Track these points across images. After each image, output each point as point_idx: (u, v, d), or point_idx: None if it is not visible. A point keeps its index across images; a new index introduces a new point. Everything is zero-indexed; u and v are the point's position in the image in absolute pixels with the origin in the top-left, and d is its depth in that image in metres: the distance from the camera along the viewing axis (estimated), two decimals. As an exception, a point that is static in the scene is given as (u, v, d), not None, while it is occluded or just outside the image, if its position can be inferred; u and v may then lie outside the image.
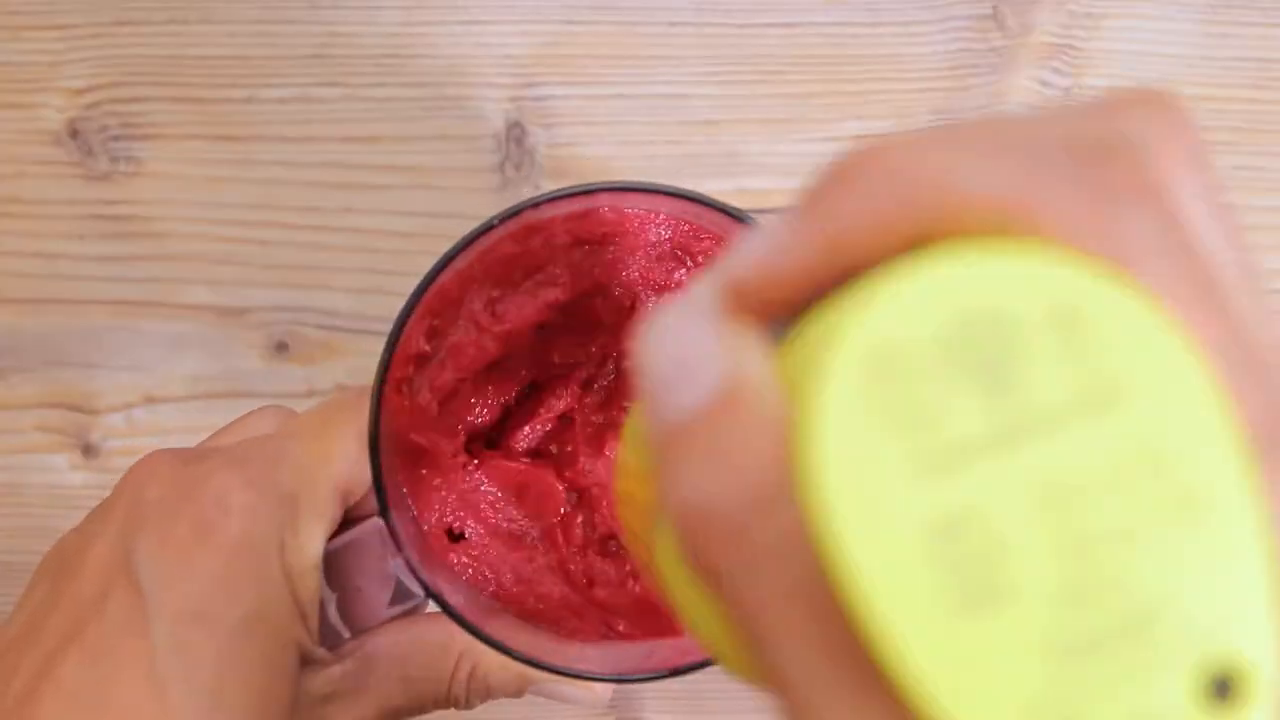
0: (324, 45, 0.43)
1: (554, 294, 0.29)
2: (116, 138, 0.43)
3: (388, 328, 0.43)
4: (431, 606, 0.28)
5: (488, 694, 0.29)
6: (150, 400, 0.43)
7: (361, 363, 0.43)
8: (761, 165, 0.43)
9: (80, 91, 0.43)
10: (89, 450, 0.43)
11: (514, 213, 0.27)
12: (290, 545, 0.26)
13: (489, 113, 0.43)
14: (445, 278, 0.28)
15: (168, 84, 0.43)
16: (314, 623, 0.27)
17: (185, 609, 0.25)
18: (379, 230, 0.43)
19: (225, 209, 0.43)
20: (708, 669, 0.26)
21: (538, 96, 0.43)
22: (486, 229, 0.27)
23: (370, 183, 0.43)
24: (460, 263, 0.28)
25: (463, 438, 0.30)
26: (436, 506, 0.30)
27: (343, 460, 0.27)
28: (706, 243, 0.30)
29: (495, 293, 0.29)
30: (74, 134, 0.43)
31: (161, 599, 0.25)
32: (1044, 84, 0.43)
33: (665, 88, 0.43)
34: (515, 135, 0.43)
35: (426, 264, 0.43)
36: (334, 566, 0.27)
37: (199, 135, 0.43)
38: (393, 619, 0.28)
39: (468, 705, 0.29)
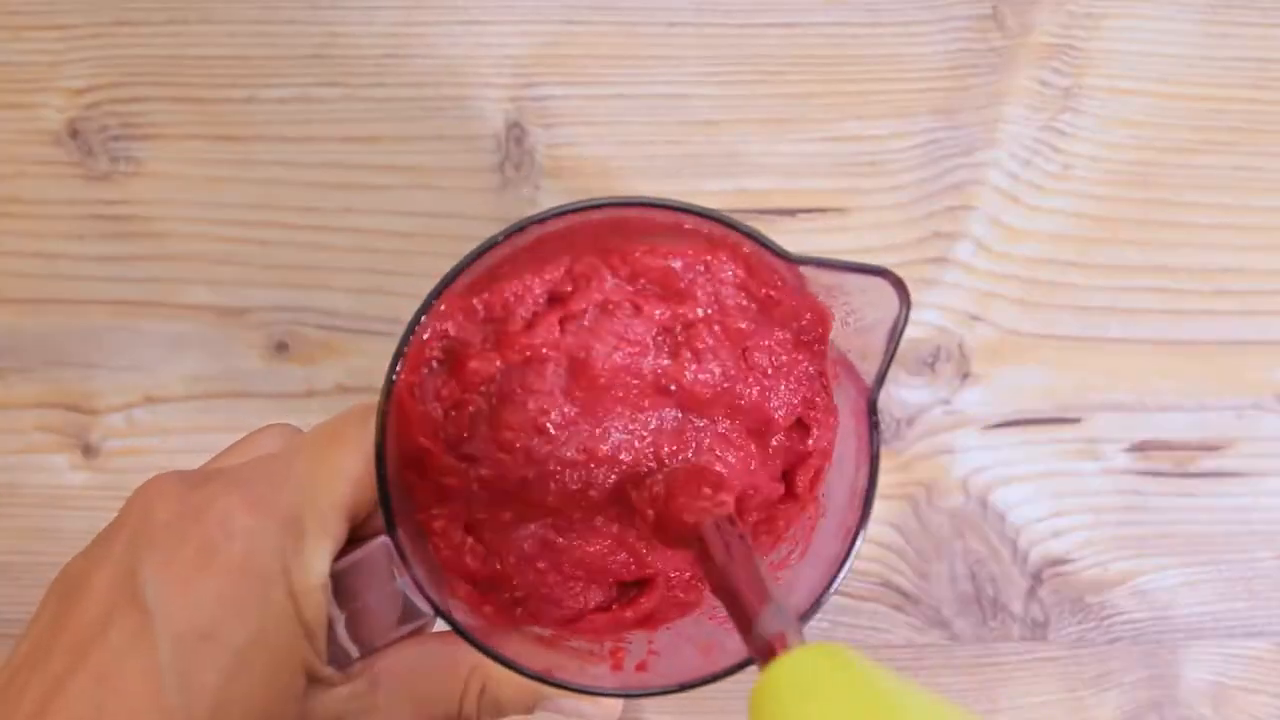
0: (324, 45, 0.43)
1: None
2: (116, 138, 0.43)
3: (388, 328, 0.43)
4: (440, 624, 0.28)
5: (498, 711, 0.29)
6: (150, 400, 0.43)
7: (361, 363, 0.43)
8: (762, 165, 0.43)
9: (80, 91, 0.43)
10: (89, 450, 0.43)
11: (521, 226, 0.26)
12: (295, 566, 0.26)
13: (489, 113, 0.43)
14: (459, 284, 0.28)
15: (168, 84, 0.43)
16: (321, 643, 0.27)
17: (191, 630, 0.25)
18: (379, 230, 0.43)
19: (225, 209, 0.43)
20: (715, 684, 0.26)
21: (538, 96, 0.43)
22: (494, 243, 0.26)
23: (370, 183, 0.43)
24: (475, 271, 0.28)
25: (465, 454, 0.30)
26: (444, 513, 0.30)
27: (348, 478, 0.27)
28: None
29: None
30: (74, 134, 0.43)
31: (167, 620, 0.25)
32: (1044, 84, 0.43)
33: (665, 88, 0.43)
34: (515, 135, 0.43)
35: (426, 264, 0.43)
36: (342, 585, 0.27)
37: (199, 135, 0.43)
38: (402, 637, 0.28)
39: None
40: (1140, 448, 0.43)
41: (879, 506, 0.43)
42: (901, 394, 0.43)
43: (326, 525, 0.27)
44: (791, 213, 0.43)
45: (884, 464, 0.43)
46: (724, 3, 0.43)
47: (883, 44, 0.43)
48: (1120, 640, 0.43)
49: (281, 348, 0.43)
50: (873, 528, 0.43)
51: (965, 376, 0.43)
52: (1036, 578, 0.43)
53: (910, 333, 0.43)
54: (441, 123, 0.43)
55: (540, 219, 0.26)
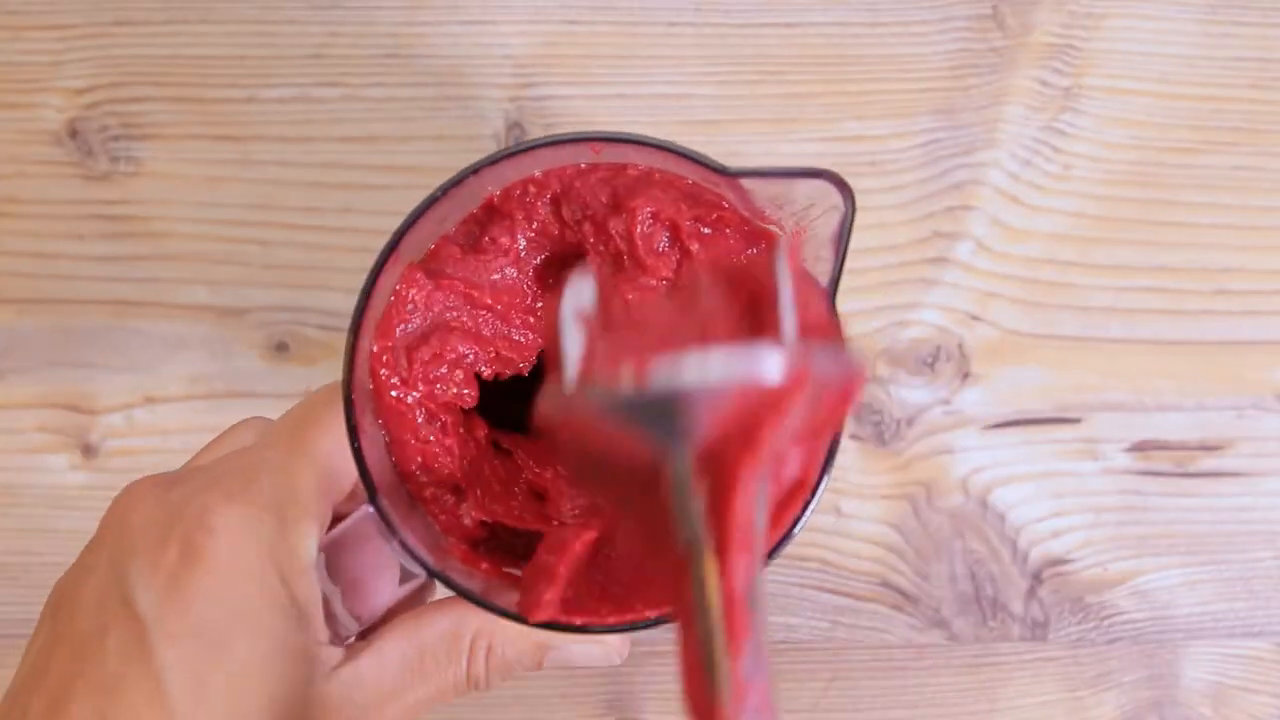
0: (324, 45, 0.43)
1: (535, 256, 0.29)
2: (116, 138, 0.43)
3: (388, 328, 0.43)
4: (440, 591, 0.28)
5: (506, 669, 0.29)
6: (150, 400, 0.43)
7: (361, 363, 0.43)
8: (763, 165, 0.43)
9: (80, 91, 0.43)
10: (89, 450, 0.43)
11: (458, 179, 0.27)
12: (281, 551, 0.26)
13: (489, 113, 0.43)
14: (410, 246, 0.28)
15: (168, 84, 0.43)
16: (318, 623, 0.27)
17: (185, 630, 0.25)
18: (379, 230, 0.43)
19: (225, 209, 0.43)
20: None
21: (538, 96, 0.43)
22: (434, 197, 0.27)
23: (370, 183, 0.43)
24: (424, 230, 0.28)
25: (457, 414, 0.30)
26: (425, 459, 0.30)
27: (323, 458, 0.27)
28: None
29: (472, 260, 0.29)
30: (74, 134, 0.43)
31: (161, 623, 0.25)
32: (1044, 84, 0.43)
33: (665, 88, 0.43)
34: (515, 135, 0.43)
35: (426, 264, 0.43)
36: (333, 560, 0.27)
37: (199, 135, 0.43)
38: (401, 601, 0.28)
39: (488, 684, 0.29)
40: (1140, 448, 0.43)
41: (879, 506, 0.43)
42: (901, 394, 0.43)
43: (307, 507, 0.27)
44: (791, 213, 0.43)
45: (883, 464, 0.43)
46: (724, 3, 0.43)
47: (883, 44, 0.43)
48: (1120, 640, 0.43)
49: (281, 348, 0.43)
50: (872, 527, 0.43)
51: (965, 376, 0.43)
52: (1036, 578, 0.43)
53: (910, 333, 0.43)
54: (441, 123, 0.43)
55: (475, 169, 0.26)
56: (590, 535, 0.27)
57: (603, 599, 0.27)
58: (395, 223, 0.43)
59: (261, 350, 0.43)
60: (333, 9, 0.43)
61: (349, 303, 0.43)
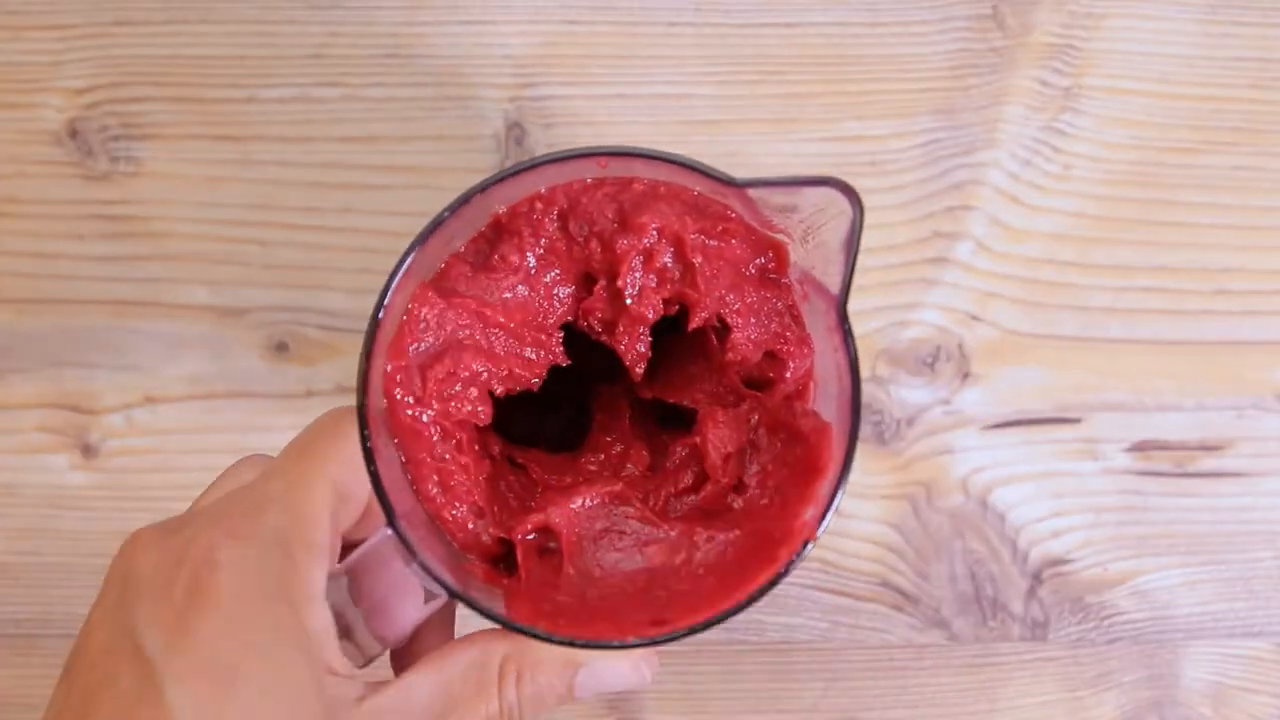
0: (324, 45, 0.43)
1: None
2: (116, 138, 0.43)
3: (388, 328, 0.43)
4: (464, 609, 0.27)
5: (539, 698, 0.29)
6: (150, 400, 0.43)
7: (361, 363, 0.43)
8: (762, 165, 0.43)
9: (80, 91, 0.43)
10: (89, 450, 0.43)
11: (466, 198, 0.27)
12: (289, 582, 0.26)
13: (489, 113, 0.43)
14: (420, 265, 0.28)
15: (168, 84, 0.43)
16: (334, 651, 0.26)
17: (195, 669, 0.24)
18: (379, 230, 0.43)
19: (225, 209, 0.43)
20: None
21: (538, 96, 0.43)
22: (442, 217, 0.27)
23: (370, 183, 0.43)
24: (433, 249, 0.28)
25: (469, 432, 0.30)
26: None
27: (325, 486, 0.27)
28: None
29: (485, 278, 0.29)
30: (74, 134, 0.43)
31: (170, 664, 0.24)
32: (1044, 84, 0.43)
33: (665, 88, 0.43)
34: (515, 135, 0.43)
35: (426, 264, 0.43)
36: (355, 583, 0.27)
37: (199, 135, 0.43)
38: (427, 619, 0.28)
39: (522, 716, 0.29)
40: (1140, 448, 0.44)
41: (879, 506, 0.43)
42: (901, 394, 0.43)
43: (313, 536, 0.26)
44: (791, 213, 0.43)
45: (883, 464, 0.43)
46: (724, 3, 0.43)
47: (883, 44, 0.43)
48: (1120, 640, 0.43)
49: (281, 348, 0.43)
50: (872, 527, 0.43)
51: (965, 376, 0.43)
52: (1036, 578, 0.43)
53: (910, 333, 0.43)
54: (441, 123, 0.43)
55: (482, 187, 0.26)
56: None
57: (626, 612, 0.27)
58: (395, 223, 0.43)
59: (261, 350, 0.43)
60: (333, 9, 0.43)
61: (349, 303, 0.43)
